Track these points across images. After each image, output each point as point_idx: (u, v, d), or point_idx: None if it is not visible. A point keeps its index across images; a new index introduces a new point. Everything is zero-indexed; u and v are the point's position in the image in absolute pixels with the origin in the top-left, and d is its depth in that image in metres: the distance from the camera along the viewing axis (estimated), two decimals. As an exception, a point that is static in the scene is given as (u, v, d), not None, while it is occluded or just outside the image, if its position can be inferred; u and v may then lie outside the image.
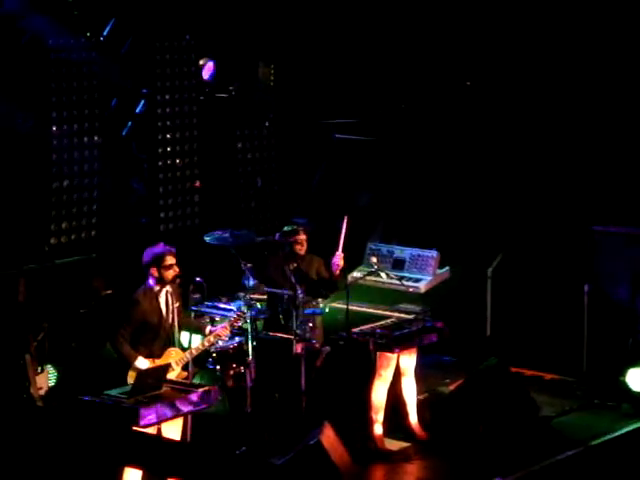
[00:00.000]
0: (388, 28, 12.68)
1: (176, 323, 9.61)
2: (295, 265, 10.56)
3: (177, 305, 9.65)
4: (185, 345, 9.86)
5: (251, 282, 10.23)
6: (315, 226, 11.04)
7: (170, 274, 9.58)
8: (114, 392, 8.90)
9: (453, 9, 12.37)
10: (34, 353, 10.33)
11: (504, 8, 12.12)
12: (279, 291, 10.28)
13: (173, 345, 9.64)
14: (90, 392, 8.87)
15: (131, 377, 9.33)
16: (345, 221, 10.40)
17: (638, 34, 11.49)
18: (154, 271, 9.57)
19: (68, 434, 6.87)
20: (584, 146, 11.86)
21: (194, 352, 9.61)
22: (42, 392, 10.35)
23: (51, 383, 10.62)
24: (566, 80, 11.92)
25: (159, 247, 9.71)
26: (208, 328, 9.86)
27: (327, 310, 10.66)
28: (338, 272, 10.44)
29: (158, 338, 9.56)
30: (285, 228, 10.67)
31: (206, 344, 9.73)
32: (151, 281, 9.61)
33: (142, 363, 9.40)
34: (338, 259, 10.41)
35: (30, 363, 10.19)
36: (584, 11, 11.71)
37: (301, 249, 10.60)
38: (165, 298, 9.63)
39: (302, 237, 10.60)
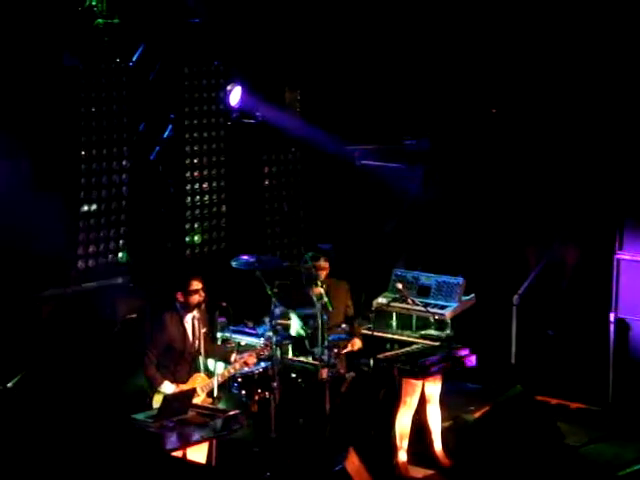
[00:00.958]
0: (414, 56, 12.72)
1: (202, 349, 9.62)
2: (319, 291, 10.58)
3: (204, 331, 9.66)
4: (211, 371, 9.87)
5: (277, 311, 10.25)
6: (338, 252, 11.06)
7: (195, 299, 9.61)
8: (140, 416, 8.92)
9: (478, 38, 12.40)
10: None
11: (529, 36, 12.15)
12: (309, 311, 10.34)
13: (198, 370, 9.65)
14: (116, 415, 8.91)
15: (156, 401, 9.34)
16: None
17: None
18: (180, 296, 9.60)
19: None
20: (609, 174, 11.83)
21: (220, 379, 9.62)
22: None
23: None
24: (590, 106, 11.92)
25: (186, 272, 9.75)
26: (234, 356, 9.86)
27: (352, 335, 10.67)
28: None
29: (183, 363, 9.58)
30: (308, 254, 10.72)
31: (232, 371, 9.75)
32: (177, 305, 9.64)
33: (168, 387, 9.41)
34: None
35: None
36: (607, 41, 11.72)
37: (322, 275, 10.64)
38: (192, 323, 9.66)
39: (324, 264, 10.63)
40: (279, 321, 10.36)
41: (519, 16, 12.13)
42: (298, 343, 10.52)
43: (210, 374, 9.69)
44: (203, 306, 9.69)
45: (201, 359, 9.62)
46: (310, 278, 10.57)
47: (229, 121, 12.50)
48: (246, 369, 9.95)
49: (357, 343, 10.53)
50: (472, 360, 10.38)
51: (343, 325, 10.64)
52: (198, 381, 9.56)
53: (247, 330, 10.71)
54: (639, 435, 10.81)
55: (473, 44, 12.42)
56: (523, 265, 12.15)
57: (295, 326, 10.52)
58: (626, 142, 11.66)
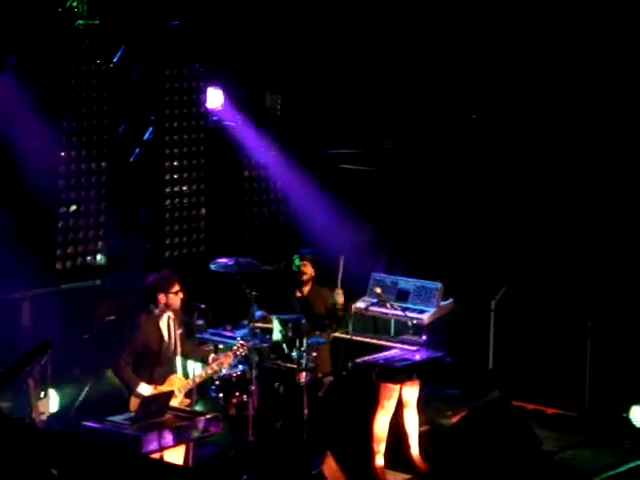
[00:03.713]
0: (394, 60, 12.75)
1: (178, 350, 9.62)
2: (300, 295, 10.59)
3: (179, 332, 9.66)
4: (188, 372, 9.86)
5: (257, 313, 10.26)
6: (319, 257, 11.07)
7: (177, 301, 9.61)
8: (117, 418, 8.91)
9: (458, 43, 12.44)
10: (37, 378, 10.32)
11: (510, 42, 12.19)
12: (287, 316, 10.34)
13: (175, 372, 9.64)
14: (93, 418, 8.89)
15: (133, 403, 9.33)
16: (342, 261, 10.49)
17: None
18: (162, 297, 9.59)
19: (71, 460, 6.87)
20: (589, 180, 11.90)
21: (197, 380, 9.61)
22: (44, 417, 10.33)
23: (53, 409, 10.60)
24: (570, 110, 11.98)
25: (166, 273, 9.74)
26: (211, 356, 9.86)
27: (330, 339, 10.67)
28: (340, 308, 10.52)
29: (159, 364, 9.57)
30: (296, 258, 10.74)
31: (209, 372, 9.74)
32: (152, 306, 9.62)
33: (144, 389, 9.40)
34: (338, 296, 10.48)
35: (33, 388, 10.18)
36: (590, 49, 11.78)
37: (305, 279, 10.64)
38: (167, 324, 9.65)
39: (306, 267, 10.63)
40: (258, 324, 10.36)
41: (499, 24, 12.17)
42: (277, 347, 10.52)
43: (187, 376, 9.68)
44: (179, 307, 9.69)
45: (178, 360, 9.62)
46: (293, 282, 10.59)
47: (209, 124, 12.46)
48: (224, 371, 9.96)
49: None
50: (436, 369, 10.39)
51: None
52: (175, 382, 9.55)
53: (226, 333, 10.70)
54: (615, 441, 10.86)
55: (455, 49, 12.46)
56: (501, 270, 12.19)
57: (275, 330, 10.53)
58: (606, 147, 11.74)
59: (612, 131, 11.73)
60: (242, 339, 10.05)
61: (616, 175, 11.71)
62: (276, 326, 10.48)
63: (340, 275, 10.57)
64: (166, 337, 9.62)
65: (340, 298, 10.53)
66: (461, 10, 12.36)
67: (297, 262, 10.68)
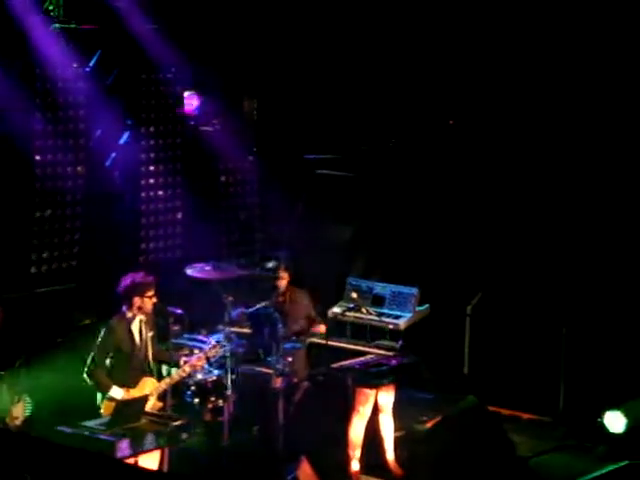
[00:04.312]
0: (371, 65, 12.78)
1: (150, 353, 9.59)
2: (277, 299, 10.58)
3: (151, 334, 9.64)
4: (161, 375, 9.83)
5: (233, 313, 10.24)
6: (296, 261, 11.07)
7: (150, 304, 9.59)
8: (91, 423, 8.87)
9: (436, 48, 12.48)
10: (10, 382, 10.27)
11: (487, 47, 12.24)
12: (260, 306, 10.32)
13: (147, 375, 9.61)
14: (66, 423, 8.85)
15: (105, 406, 9.30)
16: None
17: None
18: (136, 300, 9.56)
19: (45, 466, 6.84)
20: (564, 186, 11.95)
21: (169, 382, 9.59)
22: (18, 422, 10.28)
23: (27, 413, 10.55)
24: (549, 120, 12.04)
25: (141, 276, 9.71)
26: (183, 359, 9.83)
27: (306, 344, 10.67)
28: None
29: (131, 367, 9.54)
30: (266, 262, 10.72)
31: (182, 374, 9.72)
32: (125, 309, 9.59)
33: (116, 392, 9.37)
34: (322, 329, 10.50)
35: (6, 393, 10.13)
36: (567, 53, 11.84)
37: (281, 283, 10.64)
38: (138, 327, 9.62)
39: (282, 271, 10.63)
40: (234, 329, 10.35)
41: (478, 29, 12.22)
42: (252, 351, 10.51)
43: (160, 379, 9.65)
44: (151, 311, 9.67)
45: (150, 364, 9.59)
46: (270, 287, 10.58)
47: (186, 129, 12.45)
48: (200, 376, 9.93)
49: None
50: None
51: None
52: (148, 385, 9.52)
53: (201, 338, 10.68)
54: (589, 446, 10.91)
55: (432, 54, 12.50)
56: (477, 276, 12.23)
57: None
58: (583, 154, 11.81)
59: (591, 140, 11.79)
60: (214, 341, 10.03)
61: (591, 182, 11.77)
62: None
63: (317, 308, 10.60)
64: (137, 340, 9.60)
65: (323, 329, 10.54)
66: (438, 15, 12.40)
67: (273, 267, 10.66)
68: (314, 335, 10.51)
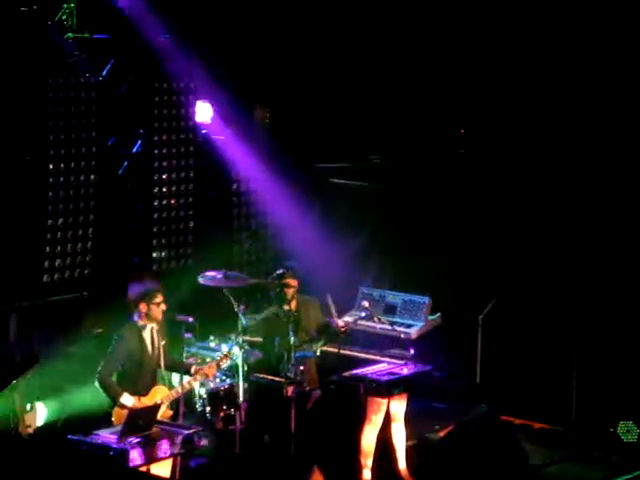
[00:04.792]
0: (382, 75, 12.80)
1: (162, 361, 9.59)
2: (288, 308, 10.59)
3: (163, 343, 9.64)
4: (172, 384, 9.83)
5: (245, 322, 10.24)
6: (306, 270, 11.08)
7: (159, 312, 9.58)
8: (104, 432, 8.87)
9: (446, 59, 12.50)
10: (23, 391, 10.30)
11: (501, 59, 12.26)
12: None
13: (158, 383, 9.62)
14: (80, 431, 8.86)
15: (116, 414, 9.31)
16: (329, 298, 10.47)
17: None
18: (143, 307, 9.56)
19: (56, 474, 6.85)
20: (576, 196, 11.94)
21: (180, 390, 9.59)
22: (30, 430, 10.30)
23: (40, 422, 10.57)
24: (555, 132, 12.05)
25: (148, 282, 9.71)
26: (194, 367, 9.83)
27: (318, 353, 10.67)
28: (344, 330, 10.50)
29: (143, 375, 9.54)
30: (277, 271, 10.73)
31: (193, 383, 9.72)
32: (136, 317, 9.60)
33: (127, 400, 9.37)
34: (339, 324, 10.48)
35: (19, 401, 10.15)
36: (573, 61, 11.85)
37: (290, 292, 10.64)
38: (150, 335, 9.62)
39: (291, 280, 10.64)
40: (246, 338, 10.35)
41: (488, 39, 12.24)
42: (264, 360, 10.51)
43: (171, 387, 9.66)
44: (161, 318, 9.67)
45: (162, 372, 9.60)
46: (279, 296, 10.58)
47: (198, 137, 12.47)
48: (211, 384, 9.93)
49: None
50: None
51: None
52: (159, 393, 9.52)
53: (212, 346, 10.69)
54: (602, 455, 10.87)
55: (445, 64, 12.51)
56: (489, 284, 12.21)
57: None
58: (591, 168, 11.80)
59: (595, 150, 11.79)
60: (226, 350, 10.03)
61: (603, 195, 11.76)
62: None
63: (333, 311, 10.55)
64: (149, 348, 9.59)
65: (341, 324, 10.51)
66: (446, 27, 12.43)
67: (282, 276, 10.65)
68: (331, 331, 10.45)
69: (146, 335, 9.60)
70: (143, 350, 9.55)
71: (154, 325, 9.60)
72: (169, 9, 12.06)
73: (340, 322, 10.54)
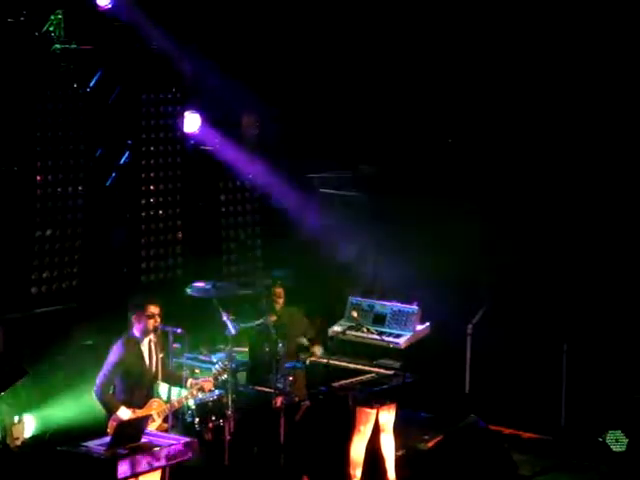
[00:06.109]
0: (371, 83, 12.81)
1: (159, 374, 9.58)
2: (275, 318, 10.59)
3: (161, 356, 9.63)
4: (165, 397, 9.81)
5: (232, 331, 10.22)
6: (295, 280, 11.08)
7: (151, 323, 9.57)
8: (92, 443, 8.84)
9: (435, 67, 12.53)
10: (11, 403, 10.28)
11: (489, 66, 12.29)
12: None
13: (155, 396, 9.60)
14: (68, 442, 8.83)
15: (111, 426, 9.27)
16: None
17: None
18: (135, 319, 9.56)
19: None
20: (564, 203, 11.97)
21: (176, 404, 9.58)
22: (18, 442, 10.27)
23: (28, 434, 10.54)
24: (549, 142, 12.08)
25: (142, 295, 9.72)
26: (190, 381, 9.81)
27: (307, 363, 10.66)
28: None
29: (139, 388, 9.52)
30: (265, 282, 10.74)
31: (189, 397, 9.71)
32: (134, 330, 9.59)
33: (124, 413, 9.34)
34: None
35: (7, 413, 10.13)
36: (564, 69, 11.88)
37: (278, 302, 10.65)
38: (148, 347, 9.61)
39: (279, 290, 10.64)
40: (235, 348, 10.34)
41: (477, 46, 12.27)
42: (253, 371, 10.50)
43: (167, 400, 9.64)
44: (159, 331, 9.65)
45: (160, 384, 9.58)
46: (268, 306, 10.59)
47: (186, 148, 12.47)
48: (201, 395, 9.92)
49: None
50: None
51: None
52: (154, 406, 9.50)
53: (202, 357, 10.67)
54: (591, 465, 10.88)
55: (433, 73, 12.53)
56: (477, 294, 12.22)
57: None
58: (581, 169, 11.83)
59: (585, 151, 11.82)
60: (222, 364, 10.02)
61: (593, 200, 11.78)
62: None
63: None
64: (147, 361, 9.58)
65: (317, 352, 10.59)
66: (437, 35, 12.45)
67: (271, 287, 10.67)
68: (310, 355, 10.51)
69: (144, 348, 9.58)
70: (140, 363, 9.53)
71: (152, 337, 9.59)
72: (158, 20, 12.05)
73: (316, 350, 10.58)
